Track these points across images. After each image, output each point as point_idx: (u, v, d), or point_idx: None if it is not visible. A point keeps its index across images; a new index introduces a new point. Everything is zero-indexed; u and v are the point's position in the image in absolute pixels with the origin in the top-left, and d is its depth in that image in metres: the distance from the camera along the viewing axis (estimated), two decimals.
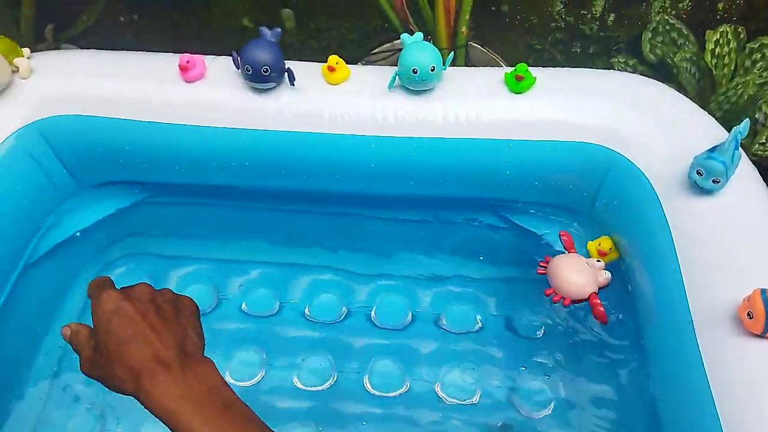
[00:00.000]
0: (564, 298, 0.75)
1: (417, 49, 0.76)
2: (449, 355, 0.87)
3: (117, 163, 0.84)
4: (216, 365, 0.47)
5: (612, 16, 1.12)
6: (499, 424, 0.81)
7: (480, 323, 0.89)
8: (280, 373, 0.87)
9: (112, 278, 0.51)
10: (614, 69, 1.15)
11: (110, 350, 0.45)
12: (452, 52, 0.82)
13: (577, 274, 0.74)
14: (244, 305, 0.93)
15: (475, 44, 1.14)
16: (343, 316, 0.91)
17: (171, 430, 0.43)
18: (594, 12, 1.12)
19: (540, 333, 0.85)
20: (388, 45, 1.19)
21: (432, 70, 0.76)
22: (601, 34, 1.14)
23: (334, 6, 1.18)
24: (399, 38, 0.79)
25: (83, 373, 0.48)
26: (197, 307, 0.53)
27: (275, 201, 0.91)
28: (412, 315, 0.91)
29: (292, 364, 0.87)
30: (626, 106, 0.77)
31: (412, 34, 0.80)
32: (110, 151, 0.83)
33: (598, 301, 0.76)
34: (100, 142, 0.82)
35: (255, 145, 0.80)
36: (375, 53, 1.20)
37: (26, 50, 0.85)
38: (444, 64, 0.77)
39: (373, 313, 0.91)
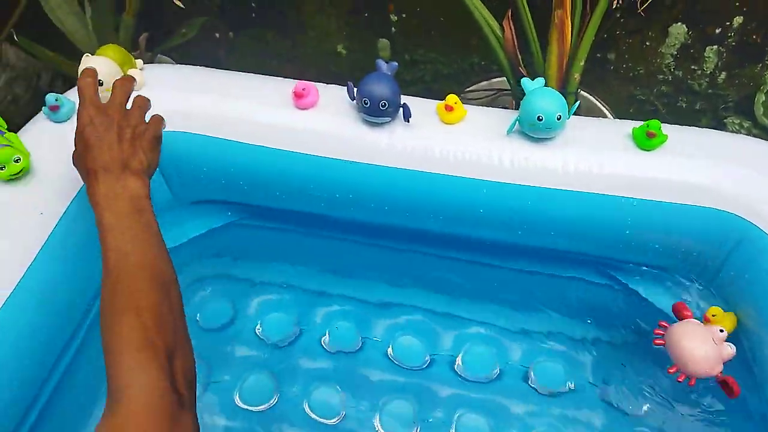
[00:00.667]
0: (689, 377, 0.69)
1: (542, 96, 0.73)
2: (538, 414, 0.82)
3: (218, 182, 0.83)
4: (149, 186, 0.63)
5: (723, 75, 1.07)
6: None
7: (571, 386, 0.84)
8: (362, 414, 0.83)
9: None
10: (726, 129, 1.10)
11: (79, 152, 0.63)
12: (577, 101, 0.78)
13: (703, 346, 0.68)
14: (325, 339, 0.90)
15: (580, 90, 1.11)
16: (426, 364, 0.87)
17: (96, 220, 0.58)
18: (705, 68, 1.07)
19: (644, 408, 0.79)
20: (485, 84, 1.16)
21: (558, 119, 0.72)
22: (710, 91, 1.09)
23: (433, 39, 1.16)
24: (496, 77, 0.76)
25: (73, 163, 0.64)
26: (159, 135, 0.68)
27: (372, 236, 0.88)
28: (499, 369, 0.86)
29: (375, 406, 0.83)
30: (762, 173, 0.72)
31: (522, 77, 0.77)
32: (214, 171, 0.82)
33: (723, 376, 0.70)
34: (206, 161, 0.81)
35: (363, 178, 0.77)
36: (470, 90, 1.18)
37: (139, 62, 0.85)
38: (569, 113, 0.74)
39: (458, 361, 0.87)
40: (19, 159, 0.71)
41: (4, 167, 0.70)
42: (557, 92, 0.74)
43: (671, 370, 0.69)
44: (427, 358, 0.88)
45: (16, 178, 0.72)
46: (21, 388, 0.66)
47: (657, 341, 0.72)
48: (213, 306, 0.92)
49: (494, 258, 0.88)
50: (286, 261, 0.95)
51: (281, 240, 0.94)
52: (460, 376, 0.86)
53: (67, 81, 1.36)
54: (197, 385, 0.54)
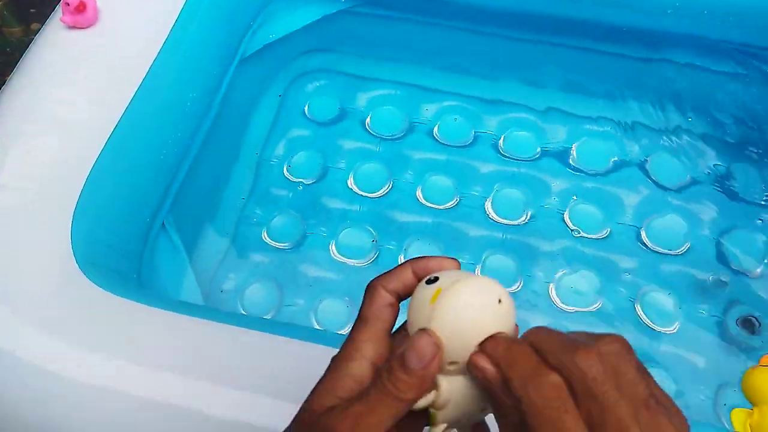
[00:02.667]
0: None
1: None
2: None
3: None
4: None
5: None
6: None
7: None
8: (474, 201, 0.85)
9: None
10: None
11: None
12: None
13: None
14: (435, 131, 0.90)
15: None
16: (538, 155, 0.88)
17: None
18: None
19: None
20: None
21: None
22: None
23: None
24: None
25: None
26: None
27: (490, 24, 0.85)
28: (614, 161, 0.86)
29: (487, 192, 0.85)
30: None
31: None
32: None
33: None
34: None
35: None
36: None
37: None
38: None
39: (573, 153, 0.87)
40: None
41: None
42: None
43: None
44: (538, 150, 0.88)
45: None
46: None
47: None
48: (321, 100, 0.94)
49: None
50: (396, 57, 0.93)
51: (395, 32, 0.91)
52: (573, 166, 0.86)
53: None
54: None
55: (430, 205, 0.86)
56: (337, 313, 0.79)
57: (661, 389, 0.27)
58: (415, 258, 0.32)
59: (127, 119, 0.62)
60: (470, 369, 0.29)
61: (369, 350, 0.30)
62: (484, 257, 0.81)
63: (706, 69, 0.82)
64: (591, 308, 0.77)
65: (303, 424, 0.29)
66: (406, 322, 0.31)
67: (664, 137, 0.86)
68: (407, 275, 0.31)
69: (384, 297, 0.31)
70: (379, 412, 0.28)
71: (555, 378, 0.26)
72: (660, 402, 0.26)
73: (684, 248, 0.79)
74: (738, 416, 0.66)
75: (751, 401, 0.66)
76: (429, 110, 0.92)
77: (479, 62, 0.91)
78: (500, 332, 0.29)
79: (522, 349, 0.27)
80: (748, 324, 0.73)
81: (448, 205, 0.85)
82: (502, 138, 0.89)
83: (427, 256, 0.32)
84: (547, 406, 0.25)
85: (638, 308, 0.76)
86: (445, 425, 0.30)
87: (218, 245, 0.83)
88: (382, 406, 0.28)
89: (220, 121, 0.79)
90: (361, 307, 0.31)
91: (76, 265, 0.52)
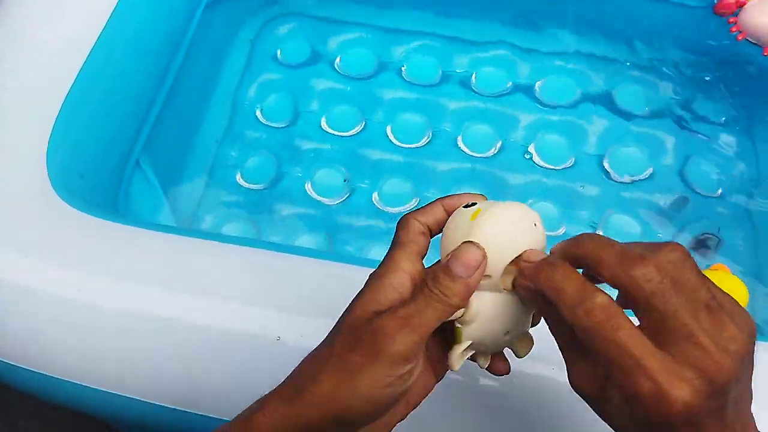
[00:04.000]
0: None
1: None
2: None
3: None
4: None
5: None
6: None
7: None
8: (446, 135, 0.87)
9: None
10: None
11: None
12: None
13: None
14: (404, 71, 0.92)
15: None
16: (508, 90, 0.90)
17: None
18: None
19: None
20: None
21: None
22: None
23: None
24: None
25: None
26: None
27: None
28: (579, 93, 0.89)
29: (457, 130, 0.87)
30: None
31: None
32: None
33: None
34: None
35: None
36: None
37: None
38: None
39: (537, 88, 0.89)
40: None
41: None
42: None
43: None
44: (509, 84, 0.90)
45: None
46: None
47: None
48: (292, 44, 0.94)
49: None
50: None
51: None
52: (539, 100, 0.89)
53: None
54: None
55: (401, 144, 0.87)
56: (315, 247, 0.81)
57: (724, 292, 0.27)
58: (446, 196, 0.34)
59: (95, 57, 0.63)
60: (516, 288, 0.31)
61: (408, 266, 0.32)
62: (454, 191, 0.83)
63: (665, 1, 0.84)
64: (555, 233, 0.80)
65: (347, 329, 0.31)
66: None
67: (627, 69, 0.88)
68: (439, 210, 0.34)
69: (418, 226, 0.33)
70: (426, 315, 0.30)
71: (602, 299, 0.26)
72: (722, 305, 0.26)
73: (646, 174, 0.82)
74: None
75: None
76: (398, 51, 0.93)
77: (443, 2, 0.92)
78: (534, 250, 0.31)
79: (566, 271, 0.28)
80: (706, 243, 0.77)
81: (420, 143, 0.87)
82: (473, 75, 0.91)
83: (457, 194, 0.34)
84: (599, 328, 0.26)
85: (600, 233, 0.80)
86: (469, 342, 0.32)
87: (195, 186, 0.84)
88: (428, 309, 0.30)
89: (191, 65, 0.80)
90: (395, 235, 0.33)
91: (52, 189, 0.53)
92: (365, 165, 0.86)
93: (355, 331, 0.30)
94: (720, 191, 0.81)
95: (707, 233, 0.77)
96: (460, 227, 0.31)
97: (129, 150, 0.69)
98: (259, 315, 0.48)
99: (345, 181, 0.85)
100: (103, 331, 0.48)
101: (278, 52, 0.94)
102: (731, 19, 0.71)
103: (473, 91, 0.90)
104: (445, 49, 0.93)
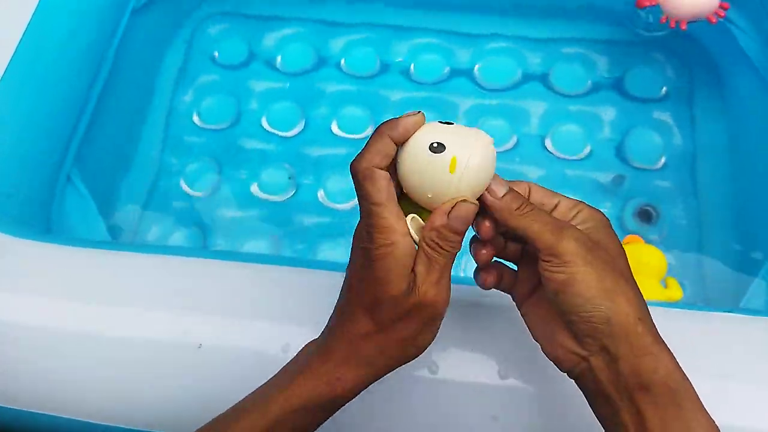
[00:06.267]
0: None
1: None
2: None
3: None
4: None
5: None
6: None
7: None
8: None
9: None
10: None
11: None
12: None
13: None
14: (343, 64, 0.91)
15: None
16: (447, 76, 0.89)
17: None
18: None
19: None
20: None
21: None
22: None
23: None
24: None
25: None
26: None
27: None
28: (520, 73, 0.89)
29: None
30: None
31: None
32: None
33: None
34: None
35: None
36: None
37: None
38: None
39: (476, 71, 0.89)
40: None
41: None
42: None
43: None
44: (447, 69, 0.90)
45: None
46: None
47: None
48: (227, 44, 0.93)
49: None
50: None
51: None
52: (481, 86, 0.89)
53: None
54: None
55: (345, 135, 0.87)
56: (262, 251, 0.81)
57: None
58: (386, 123, 0.34)
59: (14, 67, 0.61)
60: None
61: (401, 226, 0.34)
62: None
63: None
64: None
65: (393, 309, 0.34)
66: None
67: (562, 48, 0.88)
68: (388, 145, 0.34)
69: (382, 175, 0.33)
70: (447, 270, 0.34)
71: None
72: None
73: (585, 152, 0.83)
74: None
75: None
76: (336, 44, 0.92)
77: None
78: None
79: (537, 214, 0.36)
80: (646, 216, 0.78)
81: (364, 134, 0.86)
82: (412, 65, 0.90)
83: (396, 118, 0.34)
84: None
85: None
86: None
87: (136, 197, 0.83)
88: (446, 268, 0.34)
89: (122, 72, 0.78)
90: (364, 195, 0.33)
91: None
92: (308, 162, 0.85)
93: (400, 311, 0.34)
94: (663, 161, 0.81)
95: (648, 205, 0.78)
96: (441, 179, 0.33)
97: (59, 165, 0.67)
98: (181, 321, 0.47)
99: (289, 178, 0.84)
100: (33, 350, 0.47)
101: (216, 54, 0.92)
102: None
103: (412, 80, 0.89)
104: (383, 39, 0.92)
